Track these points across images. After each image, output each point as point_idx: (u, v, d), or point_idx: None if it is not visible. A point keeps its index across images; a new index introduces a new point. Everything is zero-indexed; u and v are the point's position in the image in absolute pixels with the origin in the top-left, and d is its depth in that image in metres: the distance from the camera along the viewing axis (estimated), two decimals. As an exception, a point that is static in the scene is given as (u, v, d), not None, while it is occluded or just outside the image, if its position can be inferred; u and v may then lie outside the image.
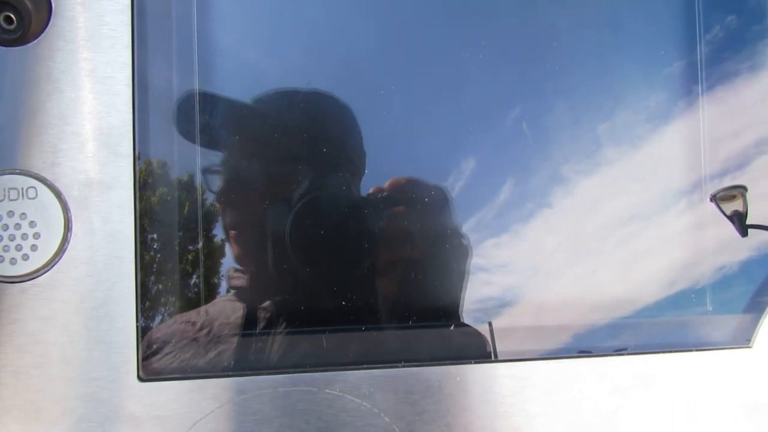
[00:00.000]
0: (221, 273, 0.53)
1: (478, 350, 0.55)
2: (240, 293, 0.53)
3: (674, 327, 0.58)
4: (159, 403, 0.50)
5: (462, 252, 0.55)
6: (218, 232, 0.53)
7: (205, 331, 0.52)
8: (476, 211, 0.56)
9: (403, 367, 0.52)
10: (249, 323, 0.53)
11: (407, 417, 0.52)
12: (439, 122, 0.56)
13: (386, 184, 0.54)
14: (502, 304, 0.56)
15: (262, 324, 0.53)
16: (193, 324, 0.52)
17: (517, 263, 0.56)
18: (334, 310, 0.54)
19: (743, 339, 0.58)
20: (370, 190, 0.54)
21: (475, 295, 0.55)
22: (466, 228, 0.56)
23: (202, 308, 0.52)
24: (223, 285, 0.53)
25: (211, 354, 0.52)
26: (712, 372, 0.57)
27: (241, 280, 0.53)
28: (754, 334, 0.58)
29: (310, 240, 0.53)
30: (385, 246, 0.54)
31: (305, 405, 0.51)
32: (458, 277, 0.55)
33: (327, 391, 0.51)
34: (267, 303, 0.53)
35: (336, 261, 0.54)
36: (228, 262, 0.53)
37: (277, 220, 0.53)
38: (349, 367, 0.52)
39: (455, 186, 0.56)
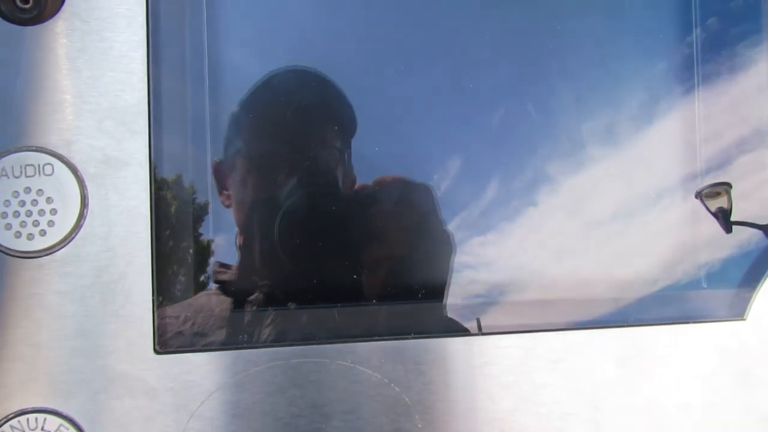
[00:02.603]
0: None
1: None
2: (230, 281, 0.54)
3: (674, 302, 0.60)
4: (175, 375, 0.51)
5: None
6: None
7: (220, 306, 0.53)
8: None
9: (413, 338, 0.54)
10: (263, 297, 0.54)
11: (416, 387, 0.54)
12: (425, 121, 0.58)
13: (372, 182, 0.56)
14: (510, 279, 0.58)
15: (275, 298, 0.54)
16: (208, 298, 0.53)
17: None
18: (347, 286, 0.55)
19: (738, 312, 0.60)
20: (358, 187, 0.56)
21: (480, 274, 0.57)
22: (471, 210, 0.57)
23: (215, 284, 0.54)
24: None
25: (226, 327, 0.53)
26: (708, 343, 0.59)
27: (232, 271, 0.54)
28: (748, 308, 0.60)
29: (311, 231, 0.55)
30: (389, 234, 0.56)
31: (317, 376, 0.52)
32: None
33: (338, 362, 0.53)
34: (280, 279, 0.55)
35: (344, 244, 0.56)
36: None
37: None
38: (360, 339, 0.53)
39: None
